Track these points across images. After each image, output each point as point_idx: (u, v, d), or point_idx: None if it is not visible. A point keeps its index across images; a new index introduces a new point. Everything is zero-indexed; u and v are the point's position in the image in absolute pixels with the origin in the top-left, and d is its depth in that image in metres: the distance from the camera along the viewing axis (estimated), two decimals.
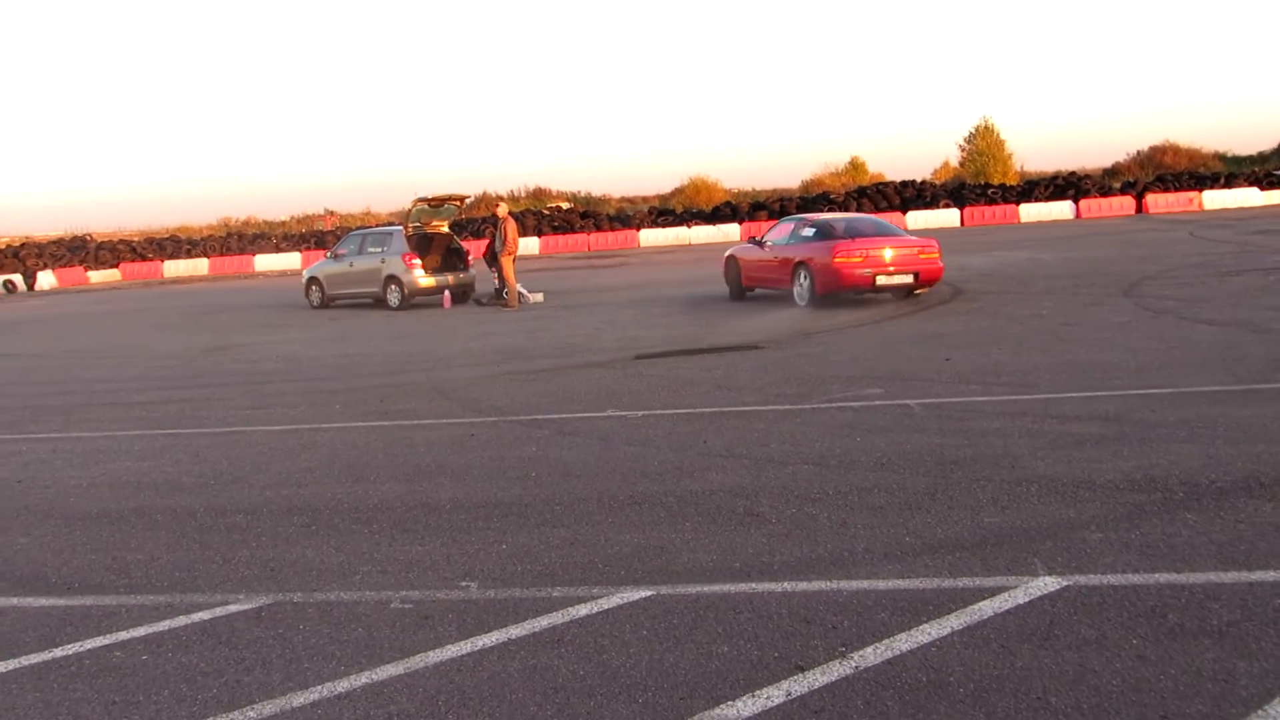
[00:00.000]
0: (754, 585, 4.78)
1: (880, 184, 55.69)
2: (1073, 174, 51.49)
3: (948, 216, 46.55)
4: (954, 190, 51.00)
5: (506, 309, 20.52)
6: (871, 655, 3.96)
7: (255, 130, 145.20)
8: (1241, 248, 22.93)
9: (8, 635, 4.86)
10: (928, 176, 62.57)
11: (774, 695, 3.70)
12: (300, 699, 3.96)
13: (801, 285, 16.60)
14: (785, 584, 4.77)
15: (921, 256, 16.28)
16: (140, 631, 4.78)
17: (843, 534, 5.40)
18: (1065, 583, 4.55)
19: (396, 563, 5.48)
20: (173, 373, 14.50)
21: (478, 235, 23.32)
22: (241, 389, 12.35)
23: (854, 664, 3.90)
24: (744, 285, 18.68)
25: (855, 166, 74.70)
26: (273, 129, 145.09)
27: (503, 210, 22.12)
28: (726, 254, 19.52)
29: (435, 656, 4.25)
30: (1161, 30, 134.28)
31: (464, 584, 5.08)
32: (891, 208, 48.56)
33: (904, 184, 52.58)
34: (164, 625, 4.83)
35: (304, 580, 5.31)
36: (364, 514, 6.43)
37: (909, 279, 16.23)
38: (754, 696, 3.70)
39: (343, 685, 4.05)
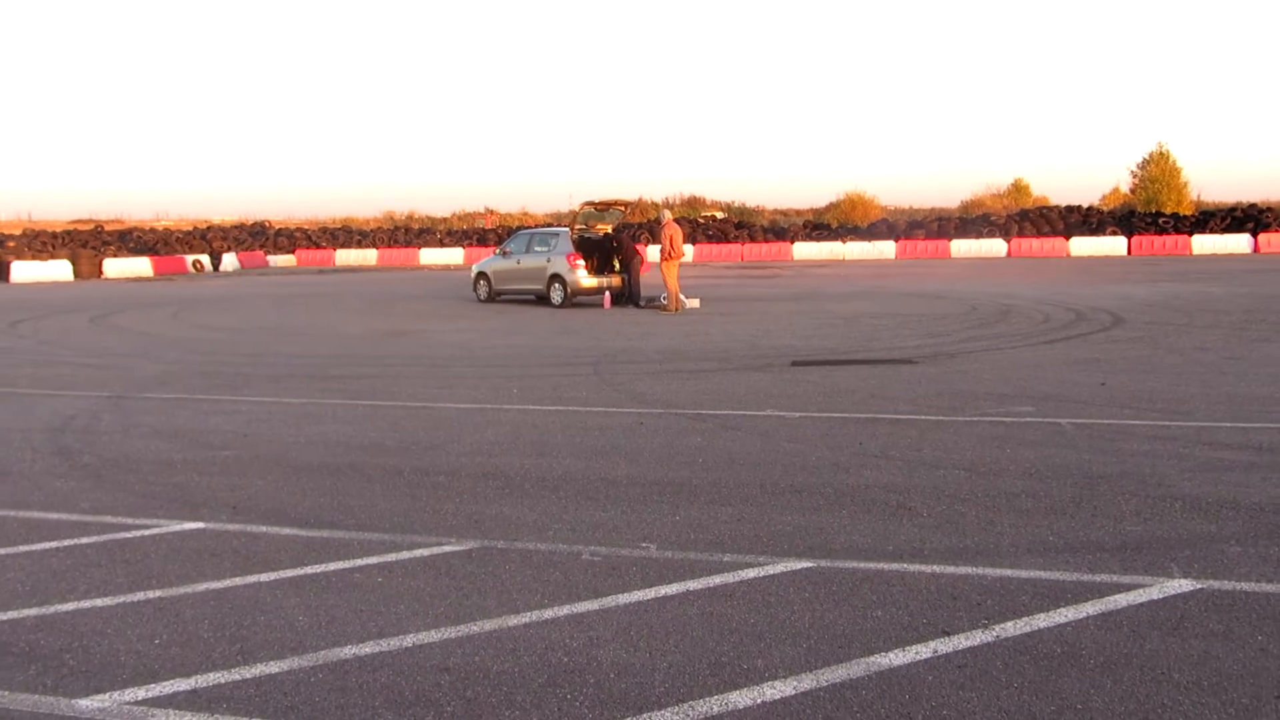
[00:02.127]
0: (906, 565, 5.32)
1: (1043, 207, 54.52)
2: (1253, 206, 49.23)
3: (1113, 244, 45.31)
4: (1122, 217, 49.52)
5: (665, 312, 21.30)
6: (1011, 628, 4.47)
7: (420, 132, 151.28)
8: None
9: (266, 554, 5.80)
10: (1096, 202, 60.87)
11: (922, 651, 4.25)
12: (514, 620, 4.72)
13: None
14: (934, 566, 5.29)
15: None
16: (373, 560, 5.64)
17: (989, 530, 5.88)
18: (1199, 585, 4.94)
19: (583, 524, 6.22)
20: (359, 352, 15.78)
21: (632, 241, 24.28)
22: (424, 370, 13.44)
23: (995, 634, 4.42)
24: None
25: (1018, 188, 73.18)
26: (437, 132, 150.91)
27: (666, 216, 22.92)
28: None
29: (624, 599, 4.95)
30: None
31: (644, 545, 5.78)
32: (1054, 232, 47.59)
33: (1069, 208, 51.36)
34: (391, 557, 5.69)
35: (505, 531, 6.10)
36: (550, 482, 7.21)
37: None
38: (904, 651, 4.26)
39: (548, 613, 4.79)
